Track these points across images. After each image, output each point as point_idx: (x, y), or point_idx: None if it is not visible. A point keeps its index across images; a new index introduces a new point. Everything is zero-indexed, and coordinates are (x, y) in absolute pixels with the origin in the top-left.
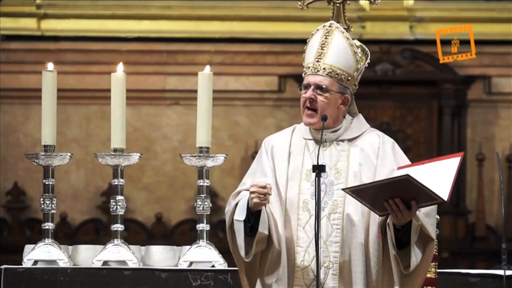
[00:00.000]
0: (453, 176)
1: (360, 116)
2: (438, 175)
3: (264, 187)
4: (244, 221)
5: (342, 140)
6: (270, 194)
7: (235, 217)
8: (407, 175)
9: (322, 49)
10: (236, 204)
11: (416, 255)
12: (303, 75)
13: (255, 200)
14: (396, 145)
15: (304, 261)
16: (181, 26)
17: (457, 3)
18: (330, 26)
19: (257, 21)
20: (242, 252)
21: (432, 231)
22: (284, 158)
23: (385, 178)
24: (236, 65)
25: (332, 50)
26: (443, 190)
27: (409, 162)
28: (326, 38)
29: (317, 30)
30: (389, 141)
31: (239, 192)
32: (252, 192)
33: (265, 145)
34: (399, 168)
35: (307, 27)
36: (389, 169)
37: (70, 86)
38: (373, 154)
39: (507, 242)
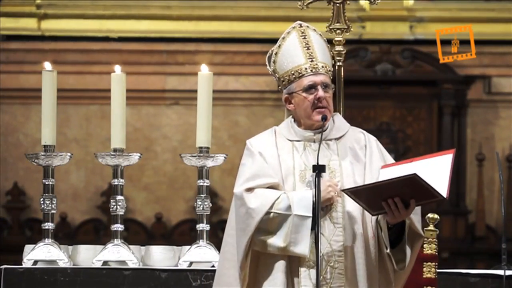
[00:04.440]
0: (448, 172)
1: (339, 115)
2: (433, 173)
3: (336, 184)
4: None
5: (330, 139)
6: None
7: (298, 213)
8: (415, 174)
9: (308, 49)
10: (272, 204)
11: (408, 252)
12: (293, 78)
13: (332, 193)
14: (379, 142)
15: (310, 261)
16: (181, 26)
17: (457, 3)
18: (301, 27)
19: (257, 21)
20: (307, 249)
21: (420, 228)
22: (274, 159)
23: (390, 178)
24: (236, 65)
25: (318, 49)
26: (441, 188)
27: (392, 160)
28: (304, 38)
29: (288, 32)
30: (373, 138)
31: (252, 189)
32: (329, 186)
33: (252, 147)
34: (383, 167)
35: None
36: (377, 166)
37: (70, 86)
38: (360, 151)
39: (507, 242)
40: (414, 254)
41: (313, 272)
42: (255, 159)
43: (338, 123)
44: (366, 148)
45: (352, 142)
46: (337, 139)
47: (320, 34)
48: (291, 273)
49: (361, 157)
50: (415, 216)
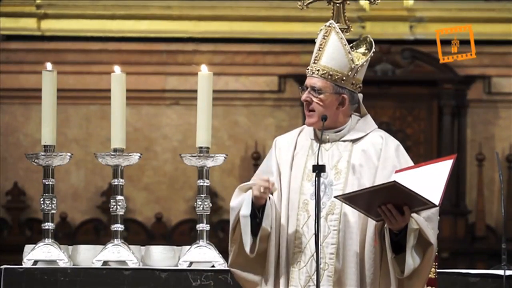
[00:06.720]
0: (445, 179)
1: (368, 117)
2: (431, 179)
3: (266, 181)
4: (251, 217)
5: (345, 141)
6: (270, 188)
7: (241, 213)
8: (394, 181)
9: (319, 50)
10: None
11: (413, 260)
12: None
13: (255, 192)
14: (401, 147)
15: (301, 262)
16: (181, 26)
17: (457, 3)
18: (329, 26)
19: (257, 21)
20: (247, 248)
21: (432, 236)
22: (288, 159)
23: (373, 185)
24: (236, 65)
25: (327, 51)
26: (435, 194)
27: (412, 165)
28: (324, 38)
29: (320, 30)
30: (393, 142)
31: (245, 188)
32: (254, 186)
33: (275, 145)
34: (396, 171)
35: (307, 27)
36: (390, 171)
37: (70, 86)
38: (374, 155)
39: (507, 242)
40: (425, 262)
41: (301, 272)
42: (271, 158)
43: (360, 125)
44: (381, 151)
45: (368, 145)
46: (353, 141)
47: (341, 38)
48: (282, 272)
49: (373, 161)
50: (429, 223)
